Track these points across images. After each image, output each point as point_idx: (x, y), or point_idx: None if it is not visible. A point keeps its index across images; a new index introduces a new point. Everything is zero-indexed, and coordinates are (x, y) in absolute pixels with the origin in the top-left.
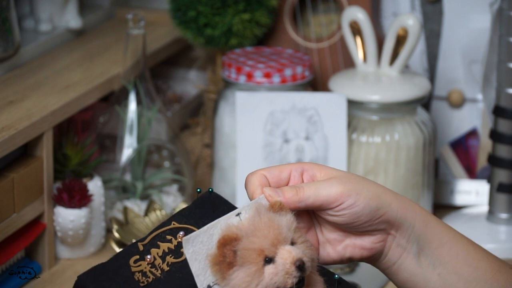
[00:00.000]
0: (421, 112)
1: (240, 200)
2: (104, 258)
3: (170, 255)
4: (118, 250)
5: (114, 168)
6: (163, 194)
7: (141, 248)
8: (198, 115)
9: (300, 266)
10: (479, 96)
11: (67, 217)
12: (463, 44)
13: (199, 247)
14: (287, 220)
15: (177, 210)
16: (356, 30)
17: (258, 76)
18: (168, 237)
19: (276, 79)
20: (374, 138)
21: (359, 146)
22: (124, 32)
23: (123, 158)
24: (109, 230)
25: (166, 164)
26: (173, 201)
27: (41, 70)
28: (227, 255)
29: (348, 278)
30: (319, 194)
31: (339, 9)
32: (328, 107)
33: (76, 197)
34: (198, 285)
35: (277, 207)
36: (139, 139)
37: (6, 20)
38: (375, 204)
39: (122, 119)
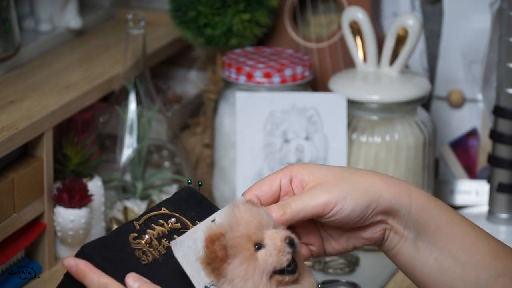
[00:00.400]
0: (421, 112)
1: None
2: None
3: (165, 239)
4: None
5: (114, 168)
6: (163, 194)
7: (137, 227)
8: (198, 115)
9: (290, 241)
10: (479, 96)
11: (67, 217)
12: (463, 44)
13: (187, 251)
14: (264, 210)
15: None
16: (356, 30)
17: (258, 76)
18: (161, 221)
19: (276, 79)
20: (374, 138)
21: (359, 146)
22: (124, 32)
23: (123, 158)
24: (109, 230)
25: (166, 164)
26: None
27: (41, 70)
28: (217, 251)
29: (348, 278)
30: (306, 207)
31: (339, 9)
32: (328, 107)
33: (76, 197)
34: (195, 286)
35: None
36: (139, 139)
37: (6, 20)
38: (364, 202)
39: (122, 119)
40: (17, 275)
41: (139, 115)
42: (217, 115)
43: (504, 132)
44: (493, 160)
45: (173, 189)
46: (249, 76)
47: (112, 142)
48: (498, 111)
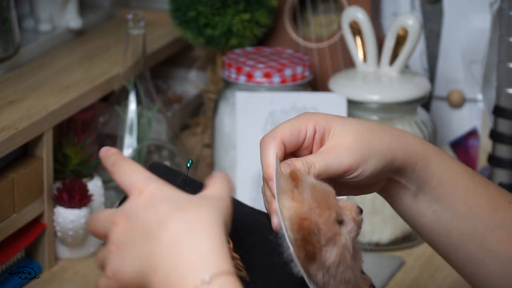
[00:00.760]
0: (421, 112)
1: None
2: None
3: None
4: None
5: None
6: None
7: None
8: (198, 115)
9: (361, 210)
10: (479, 96)
11: (67, 217)
12: (463, 44)
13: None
14: (317, 180)
15: None
16: (356, 30)
17: (258, 76)
18: None
19: (276, 79)
20: None
21: None
22: (124, 32)
23: None
24: None
25: (166, 164)
26: None
27: (41, 70)
28: (315, 243)
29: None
30: (329, 169)
31: (339, 9)
32: (328, 107)
33: (76, 197)
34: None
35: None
36: (139, 139)
37: (6, 20)
38: (381, 166)
39: (122, 119)
40: (17, 275)
41: (139, 115)
42: (217, 115)
43: (504, 132)
44: (493, 160)
45: None
46: (249, 76)
47: (112, 142)
48: (498, 111)
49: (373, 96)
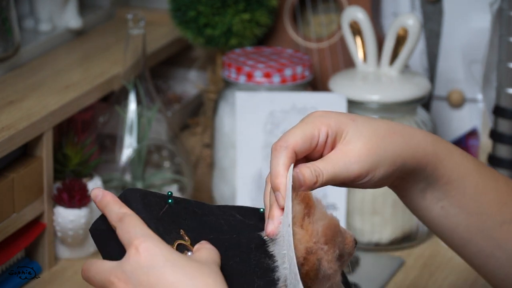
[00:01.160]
0: (421, 112)
1: (240, 200)
2: None
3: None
4: None
5: (114, 168)
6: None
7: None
8: (198, 115)
9: (356, 243)
10: (479, 96)
11: (67, 217)
12: (463, 44)
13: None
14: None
15: None
16: (356, 30)
17: (258, 76)
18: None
19: (276, 79)
20: None
21: None
22: (124, 32)
23: (123, 158)
24: None
25: (166, 164)
26: None
27: (41, 70)
28: (313, 279)
29: (348, 278)
30: (337, 178)
31: (339, 9)
32: (328, 107)
33: (76, 197)
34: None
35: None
36: (139, 139)
37: (6, 20)
38: (391, 171)
39: (122, 119)
40: (17, 275)
41: (139, 115)
42: (217, 115)
43: (504, 132)
44: (493, 160)
45: (173, 189)
46: (249, 76)
47: (112, 142)
48: (498, 111)
49: (373, 96)
